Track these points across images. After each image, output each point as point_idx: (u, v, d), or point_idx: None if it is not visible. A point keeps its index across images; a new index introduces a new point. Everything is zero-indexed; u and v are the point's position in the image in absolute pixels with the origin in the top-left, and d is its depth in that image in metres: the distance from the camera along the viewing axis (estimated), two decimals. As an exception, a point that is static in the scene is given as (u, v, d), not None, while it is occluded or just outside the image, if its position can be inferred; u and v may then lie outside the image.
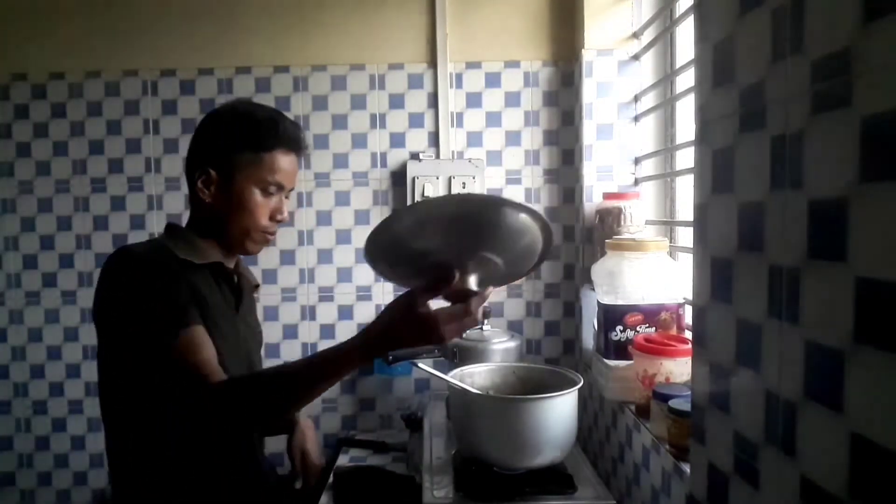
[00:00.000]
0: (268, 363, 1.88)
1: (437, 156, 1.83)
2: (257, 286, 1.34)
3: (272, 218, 1.15)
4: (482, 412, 1.18)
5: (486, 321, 1.60)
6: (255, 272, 1.85)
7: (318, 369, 0.95)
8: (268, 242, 1.18)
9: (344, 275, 1.87)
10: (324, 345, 1.86)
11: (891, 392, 0.47)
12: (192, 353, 0.97)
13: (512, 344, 1.56)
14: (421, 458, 1.39)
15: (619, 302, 1.29)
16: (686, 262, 1.39)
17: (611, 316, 1.30)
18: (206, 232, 1.14)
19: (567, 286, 1.86)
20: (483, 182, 1.81)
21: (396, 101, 1.84)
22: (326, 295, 1.88)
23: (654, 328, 1.28)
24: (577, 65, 1.73)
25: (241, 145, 1.11)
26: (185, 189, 1.46)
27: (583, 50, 1.67)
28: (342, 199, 1.86)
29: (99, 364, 1.09)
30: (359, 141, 1.85)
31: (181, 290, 1.03)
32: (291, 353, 1.88)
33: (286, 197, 1.18)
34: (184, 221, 1.18)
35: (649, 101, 1.62)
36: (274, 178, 1.12)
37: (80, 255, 1.88)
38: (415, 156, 1.83)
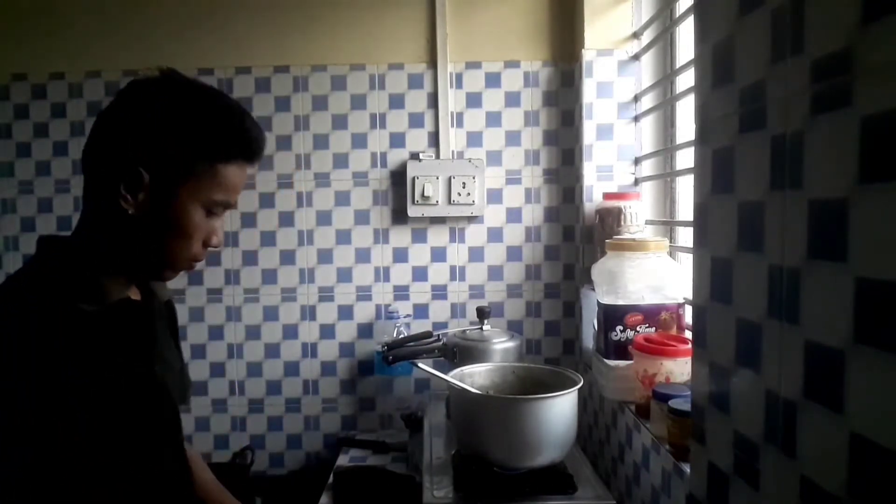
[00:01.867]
0: (268, 363, 1.89)
1: (437, 156, 1.83)
2: (168, 302, 1.04)
3: (206, 243, 0.90)
4: (482, 412, 1.18)
5: (486, 321, 1.60)
6: (255, 272, 1.86)
7: None
8: (192, 269, 0.95)
9: (344, 275, 1.87)
10: (324, 345, 1.87)
11: (891, 392, 0.47)
12: None
13: (512, 344, 1.56)
14: (421, 458, 1.40)
15: (620, 302, 1.29)
16: (686, 262, 1.39)
17: (611, 316, 1.30)
18: (109, 252, 0.84)
19: (567, 286, 1.86)
20: (483, 182, 1.81)
21: (396, 101, 1.84)
22: (326, 295, 1.88)
23: (654, 328, 1.28)
24: (577, 65, 1.73)
25: (196, 149, 0.83)
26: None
27: (583, 50, 1.67)
28: (342, 199, 1.86)
29: None
30: (359, 141, 1.85)
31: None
32: (291, 352, 1.88)
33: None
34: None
35: (649, 101, 1.62)
36: (226, 196, 0.87)
37: (80, 255, 1.88)
38: (415, 156, 1.83)
